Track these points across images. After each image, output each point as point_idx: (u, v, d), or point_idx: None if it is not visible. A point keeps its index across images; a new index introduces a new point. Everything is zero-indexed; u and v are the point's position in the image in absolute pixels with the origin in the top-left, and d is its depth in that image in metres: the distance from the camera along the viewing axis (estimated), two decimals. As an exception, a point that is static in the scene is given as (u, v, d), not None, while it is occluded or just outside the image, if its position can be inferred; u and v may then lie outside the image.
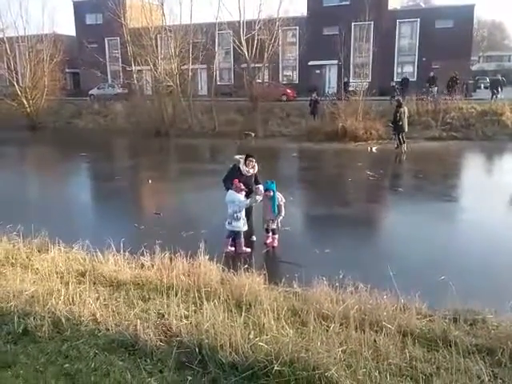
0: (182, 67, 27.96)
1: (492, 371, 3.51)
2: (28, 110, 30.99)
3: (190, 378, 3.30)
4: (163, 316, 4.16)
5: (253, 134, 22.26)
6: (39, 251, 6.58)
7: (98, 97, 36.41)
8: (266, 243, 8.05)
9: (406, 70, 36.70)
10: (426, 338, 4.12)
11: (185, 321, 3.93)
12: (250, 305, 4.54)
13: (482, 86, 30.49)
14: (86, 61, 34.77)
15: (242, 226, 7.70)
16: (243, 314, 4.11)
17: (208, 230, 8.81)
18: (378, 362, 3.41)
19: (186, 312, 4.18)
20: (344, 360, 3.35)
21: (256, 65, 28.92)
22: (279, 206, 7.77)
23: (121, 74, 37.90)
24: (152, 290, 4.89)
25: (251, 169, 8.07)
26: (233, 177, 7.92)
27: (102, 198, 12.13)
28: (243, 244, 7.76)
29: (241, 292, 4.79)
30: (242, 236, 7.76)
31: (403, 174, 15.27)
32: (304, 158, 18.50)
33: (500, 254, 7.40)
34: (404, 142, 18.36)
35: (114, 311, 4.24)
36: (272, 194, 7.64)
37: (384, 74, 34.27)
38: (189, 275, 5.31)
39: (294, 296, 5.21)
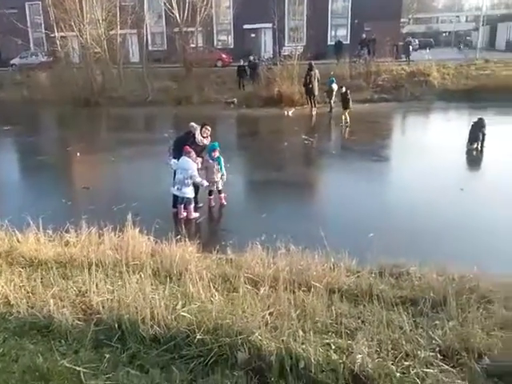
0: (109, 32, 26.41)
1: (414, 321, 3.67)
2: None
3: (107, 355, 3.17)
4: (84, 294, 3.96)
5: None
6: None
7: (20, 66, 33.80)
8: (209, 205, 8.25)
9: (340, 33, 36.95)
10: (353, 293, 4.24)
11: (108, 296, 3.76)
12: (181, 275, 4.44)
13: (411, 48, 31.33)
14: (4, 28, 31.96)
15: (191, 192, 7.73)
16: (170, 284, 4.00)
17: (140, 202, 8.54)
18: (304, 322, 3.46)
19: (110, 287, 4.00)
20: (270, 323, 3.36)
21: (189, 29, 27.88)
22: (223, 165, 8.00)
23: (44, 41, 35.37)
24: (75, 267, 4.64)
25: (205, 138, 7.88)
26: (184, 144, 7.77)
27: (26, 174, 11.39)
28: (192, 209, 7.82)
29: (171, 263, 4.67)
30: (193, 202, 7.82)
31: (337, 137, 15.55)
32: (240, 124, 18.34)
33: (427, 211, 7.75)
34: (315, 106, 18.75)
35: (28, 292, 3.98)
36: (217, 154, 7.86)
37: (318, 37, 34.25)
38: (117, 249, 5.09)
39: (228, 263, 5.17)
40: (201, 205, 8.28)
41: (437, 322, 3.56)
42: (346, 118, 16.30)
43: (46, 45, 34.04)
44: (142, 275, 4.06)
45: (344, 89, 17.01)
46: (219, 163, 7.98)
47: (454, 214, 7.57)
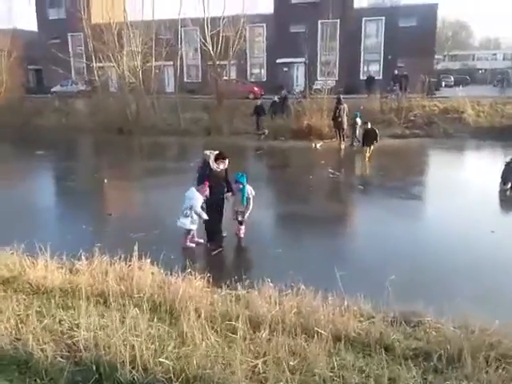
0: (145, 64, 27.32)
1: (424, 379, 3.34)
2: (-16, 106, 29.75)
3: None
4: (76, 327, 3.83)
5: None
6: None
7: (60, 94, 35.27)
8: (236, 233, 8.14)
9: (372, 68, 37.03)
10: (362, 342, 3.94)
11: (99, 332, 3.61)
12: (182, 311, 4.26)
13: (444, 83, 31.06)
14: (48, 57, 33.61)
15: (188, 223, 7.71)
16: (168, 322, 3.82)
17: (161, 230, 8.52)
18: (300, 374, 3.19)
19: (104, 322, 3.86)
20: (262, 373, 3.12)
21: (222, 62, 28.56)
22: (248, 199, 7.89)
23: (85, 70, 36.95)
24: (78, 298, 4.53)
25: (221, 165, 7.88)
26: (204, 173, 7.87)
27: (52, 199, 11.63)
28: (187, 240, 7.85)
29: (174, 298, 4.51)
30: (191, 233, 7.83)
31: (365, 172, 15.26)
32: (268, 156, 18.32)
33: (455, 253, 7.37)
34: (344, 139, 18.64)
35: (21, 322, 3.88)
36: (241, 186, 7.81)
37: (350, 72, 34.48)
38: (122, 280, 4.98)
39: (234, 300, 4.96)
40: (225, 234, 8.17)
41: (447, 382, 3.22)
42: (366, 153, 16.01)
43: (85, 74, 35.48)
44: (138, 311, 3.90)
45: (369, 125, 16.77)
46: (242, 195, 7.88)
47: (483, 258, 7.14)
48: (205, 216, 7.77)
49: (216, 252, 7.60)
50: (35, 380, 3.20)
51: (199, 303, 4.35)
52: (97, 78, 28.55)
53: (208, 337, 3.61)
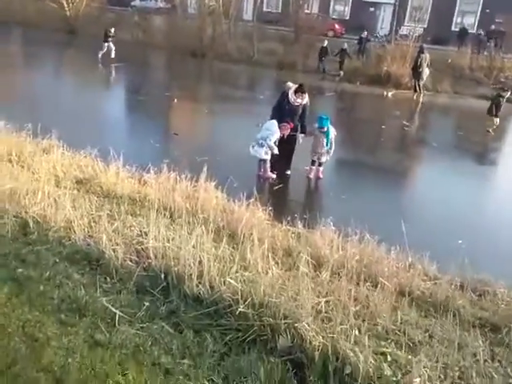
0: (228, -13, 26.37)
1: (491, 350, 3.16)
2: (67, 13, 30.21)
3: (146, 304, 3.07)
4: (144, 235, 3.90)
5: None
6: (46, 153, 6.39)
7: (139, 9, 35.12)
8: (308, 176, 8.04)
9: (467, 20, 33.78)
10: (425, 301, 3.77)
11: (165, 243, 3.66)
12: (244, 238, 4.24)
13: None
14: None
15: (262, 153, 7.61)
16: (231, 245, 3.81)
17: (225, 157, 8.49)
18: (363, 321, 3.10)
19: (170, 234, 3.91)
20: (324, 312, 3.05)
21: (306, -7, 27.07)
22: (331, 140, 7.76)
23: (166, -13, 36.33)
24: (145, 207, 4.62)
25: (299, 99, 7.62)
26: (281, 104, 7.70)
27: (124, 111, 11.86)
28: (268, 169, 7.78)
29: (237, 224, 4.49)
30: (268, 162, 7.74)
31: (441, 129, 14.34)
32: (340, 99, 17.59)
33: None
34: (421, 91, 17.51)
35: (94, 222, 4.00)
36: (326, 129, 7.63)
37: (442, 21, 31.63)
38: (188, 199, 5.01)
39: (295, 237, 4.90)
40: (288, 173, 8.06)
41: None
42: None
43: (167, -9, 34.90)
44: (204, 230, 3.90)
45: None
46: (327, 137, 7.68)
47: None
48: (275, 150, 7.62)
49: (278, 187, 7.50)
50: (105, 278, 3.33)
51: (261, 233, 4.31)
52: (177, -5, 27.99)
53: (270, 267, 3.58)
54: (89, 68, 18.85)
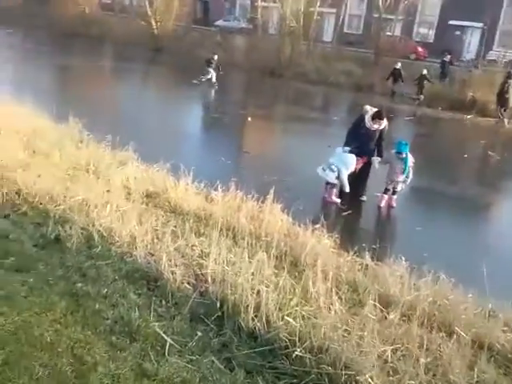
0: (308, 8, 26.55)
1: None
2: (155, 31, 31.98)
3: (199, 333, 2.94)
4: (205, 256, 3.83)
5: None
6: (122, 165, 6.62)
7: (222, 28, 36.39)
8: (379, 206, 7.63)
9: None
10: (505, 356, 3.33)
11: (227, 268, 3.55)
12: (307, 267, 4.05)
13: None
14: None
15: (332, 178, 7.34)
16: (292, 275, 3.62)
17: (294, 178, 8.34)
18: (434, 375, 2.77)
19: (231, 257, 3.80)
20: (390, 362, 2.76)
21: (388, 16, 26.56)
22: (409, 168, 7.36)
23: (249, 8, 37.35)
24: (210, 226, 4.57)
25: (376, 124, 7.37)
26: (357, 128, 7.45)
27: (199, 127, 12.17)
28: (334, 194, 7.55)
29: (301, 251, 4.30)
30: (335, 187, 7.53)
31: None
32: (419, 124, 16.85)
33: None
34: (503, 117, 16.46)
35: (157, 238, 3.99)
36: (404, 155, 7.22)
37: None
38: (252, 219, 4.91)
39: (361, 270, 4.61)
40: (364, 199, 7.74)
41: None
42: None
43: (249, 11, 35.87)
44: (265, 255, 3.75)
45: None
46: (405, 164, 7.27)
47: None
48: (347, 188, 7.35)
49: (347, 213, 7.20)
50: (161, 301, 3.27)
51: (325, 264, 4.08)
52: (259, 16, 28.66)
53: (333, 302, 3.35)
54: (171, 85, 19.74)
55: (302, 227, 5.42)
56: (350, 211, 7.24)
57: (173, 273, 3.46)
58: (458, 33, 34.04)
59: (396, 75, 19.95)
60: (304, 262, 4.11)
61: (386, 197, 7.64)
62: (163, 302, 3.30)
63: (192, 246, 4.01)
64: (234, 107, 15.36)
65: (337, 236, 5.40)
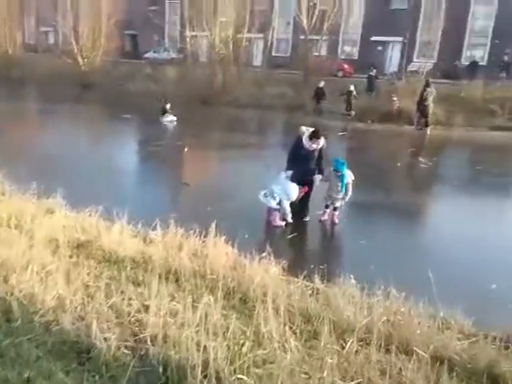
0: (237, 35, 27.03)
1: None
2: (82, 68, 31.27)
3: None
4: (145, 310, 3.50)
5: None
6: (50, 213, 6.16)
7: (152, 60, 36.21)
8: (320, 220, 7.67)
9: (476, 53, 33.90)
10: (464, 367, 3.28)
11: (169, 319, 3.25)
12: (257, 301, 3.84)
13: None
14: (145, 23, 34.46)
15: (274, 204, 7.28)
16: (243, 314, 3.40)
17: (237, 206, 8.19)
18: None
19: (174, 306, 3.51)
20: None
21: (314, 37, 27.58)
22: (347, 185, 7.41)
23: (178, 38, 37.52)
24: (149, 272, 4.25)
25: (314, 144, 7.37)
26: (295, 150, 7.43)
27: (132, 163, 11.74)
28: (278, 217, 7.41)
29: (249, 284, 4.10)
30: (286, 212, 7.35)
31: (460, 164, 13.91)
32: (352, 138, 17.37)
33: None
34: (428, 125, 17.44)
35: (89, 297, 3.62)
36: (341, 174, 7.29)
37: (450, 56, 31.81)
38: (195, 257, 4.66)
39: (313, 294, 4.48)
40: (307, 219, 7.69)
41: None
42: None
43: (178, 42, 36.02)
44: (212, 297, 3.50)
45: None
46: (342, 182, 7.34)
47: None
48: (289, 218, 7.33)
49: (292, 236, 7.11)
50: (93, 376, 2.81)
51: (276, 295, 3.90)
52: (188, 46, 28.79)
53: (287, 339, 3.15)
54: (100, 122, 19.19)
55: (249, 257, 5.24)
56: (295, 233, 7.16)
57: (106, 339, 3.06)
58: (380, 48, 35.93)
59: (319, 94, 20.40)
60: (254, 296, 3.91)
61: (327, 211, 7.69)
62: (96, 378, 2.83)
63: (129, 299, 3.66)
64: (169, 138, 15.12)
65: (284, 262, 5.26)
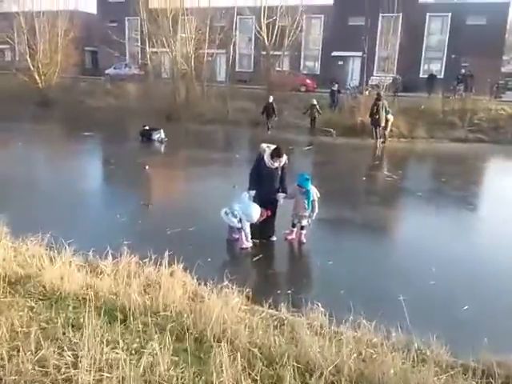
0: (198, 51, 26.80)
1: None
2: (40, 85, 30.25)
3: None
4: (78, 364, 3.02)
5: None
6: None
7: (113, 77, 35.51)
8: (286, 238, 7.36)
9: (434, 66, 34.97)
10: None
11: (107, 375, 2.81)
12: (216, 341, 3.45)
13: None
14: (104, 40, 33.75)
15: (235, 222, 6.94)
16: (199, 359, 3.00)
17: (200, 226, 7.79)
18: None
19: (117, 354, 3.06)
20: None
21: (275, 52, 27.69)
22: (313, 202, 7.11)
23: (139, 55, 36.98)
24: (96, 310, 3.77)
25: (276, 162, 7.05)
26: (257, 168, 7.14)
27: (89, 184, 11.10)
28: (243, 238, 7.02)
29: (207, 320, 3.70)
30: (246, 232, 6.99)
31: (424, 177, 13.97)
32: (317, 153, 17.27)
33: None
34: (379, 138, 17.69)
35: (14, 350, 3.10)
36: (306, 190, 7.01)
37: (410, 69, 32.57)
38: (149, 288, 4.23)
39: (278, 327, 4.12)
40: (274, 239, 7.36)
41: None
42: None
43: (139, 58, 35.54)
44: (161, 342, 3.08)
45: None
46: (307, 199, 7.04)
47: None
48: (249, 239, 7.01)
49: (257, 258, 6.75)
50: None
51: (236, 333, 3.52)
52: (149, 62, 28.38)
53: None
54: (58, 140, 18.43)
55: (210, 286, 4.85)
56: (260, 255, 6.81)
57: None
58: (340, 63, 36.52)
59: (269, 109, 20.06)
60: (211, 336, 3.51)
61: (294, 230, 7.38)
62: None
63: (62, 350, 3.16)
64: (129, 156, 14.52)
65: (248, 290, 4.88)
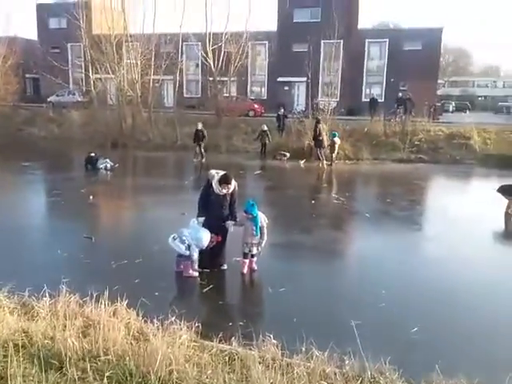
0: (144, 77, 26.55)
1: None
2: (-25, 114, 28.84)
3: None
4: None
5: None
6: None
7: (56, 104, 34.47)
8: (242, 272, 7.07)
9: (375, 90, 36.56)
10: None
11: None
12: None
13: (451, 107, 30.83)
14: (46, 66, 32.77)
15: (183, 249, 6.72)
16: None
17: (147, 258, 7.52)
18: None
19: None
20: None
21: (222, 78, 27.95)
22: (261, 228, 6.93)
23: (83, 81, 36.19)
24: (28, 358, 3.46)
25: (224, 189, 6.91)
26: (205, 195, 7.01)
27: (31, 216, 10.46)
28: (191, 267, 6.84)
29: (151, 362, 3.47)
30: (191, 259, 6.79)
31: (370, 198, 14.32)
32: (267, 177, 17.36)
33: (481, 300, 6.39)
34: (323, 158, 18.52)
35: None
36: (253, 216, 6.83)
37: (352, 93, 33.90)
38: (90, 329, 3.94)
39: (228, 363, 3.96)
40: (225, 267, 7.20)
41: None
42: None
43: (83, 85, 34.79)
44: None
45: None
46: (255, 226, 6.87)
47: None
48: (196, 266, 6.85)
49: (208, 288, 6.54)
50: None
51: (182, 375, 3.32)
52: (93, 89, 27.81)
53: None
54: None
55: (156, 323, 4.61)
56: (211, 285, 6.61)
57: None
58: (286, 88, 37.41)
59: (199, 136, 19.63)
60: (156, 381, 3.29)
61: (246, 261, 7.17)
62: None
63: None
64: (72, 186, 13.95)
65: (198, 325, 4.69)
